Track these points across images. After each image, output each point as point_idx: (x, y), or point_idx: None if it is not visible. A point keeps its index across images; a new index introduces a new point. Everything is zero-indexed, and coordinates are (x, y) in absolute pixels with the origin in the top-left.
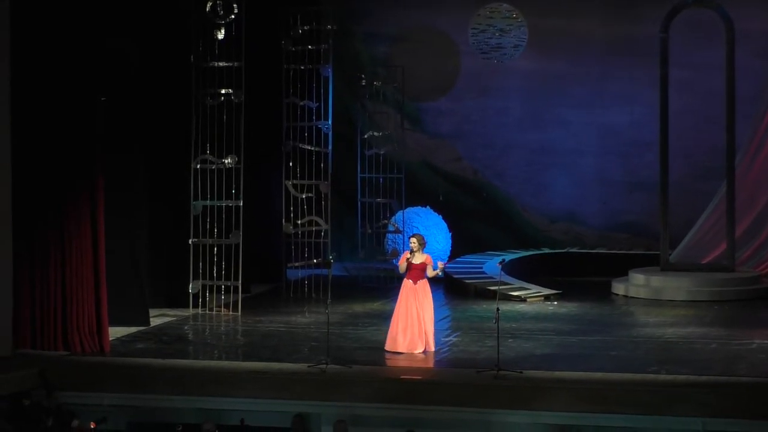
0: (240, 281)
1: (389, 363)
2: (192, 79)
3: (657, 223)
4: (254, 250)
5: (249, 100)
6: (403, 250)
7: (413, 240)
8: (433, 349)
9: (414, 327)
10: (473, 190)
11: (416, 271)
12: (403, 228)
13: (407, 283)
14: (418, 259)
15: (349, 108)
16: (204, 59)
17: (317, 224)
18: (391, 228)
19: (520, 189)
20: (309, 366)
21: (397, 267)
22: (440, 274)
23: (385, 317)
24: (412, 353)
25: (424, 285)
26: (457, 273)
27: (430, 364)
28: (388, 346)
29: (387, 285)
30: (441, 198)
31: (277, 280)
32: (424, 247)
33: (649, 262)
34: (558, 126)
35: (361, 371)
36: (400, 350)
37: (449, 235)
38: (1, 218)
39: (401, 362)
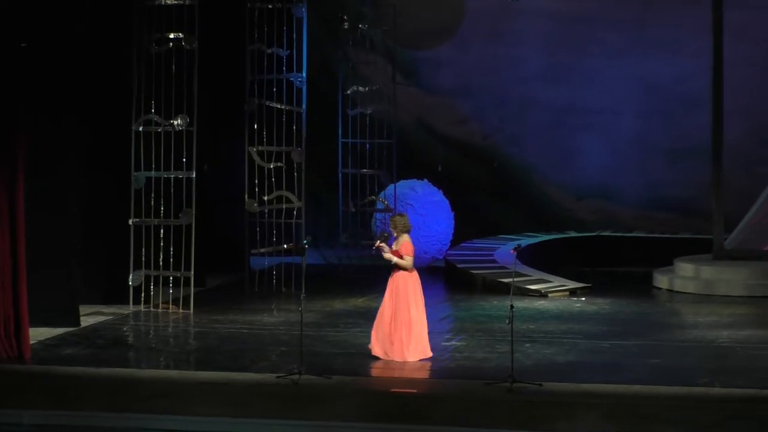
0: (192, 271)
1: (376, 373)
2: (133, 20)
3: (709, 199)
4: (210, 233)
5: (204, 47)
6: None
7: (393, 222)
8: (411, 358)
9: (382, 329)
10: (482, 159)
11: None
12: (395, 206)
13: (392, 274)
14: (399, 244)
15: (329, 57)
16: None
17: (288, 201)
18: (380, 206)
19: (541, 158)
20: (278, 377)
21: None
22: (401, 262)
23: (372, 316)
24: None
25: (405, 277)
26: (462, 262)
27: (427, 374)
28: (374, 350)
29: (374, 276)
30: (441, 169)
31: (239, 270)
32: (408, 231)
33: (699, 248)
34: (588, 80)
35: (342, 383)
36: (375, 354)
37: (452, 215)
38: None
39: (392, 372)
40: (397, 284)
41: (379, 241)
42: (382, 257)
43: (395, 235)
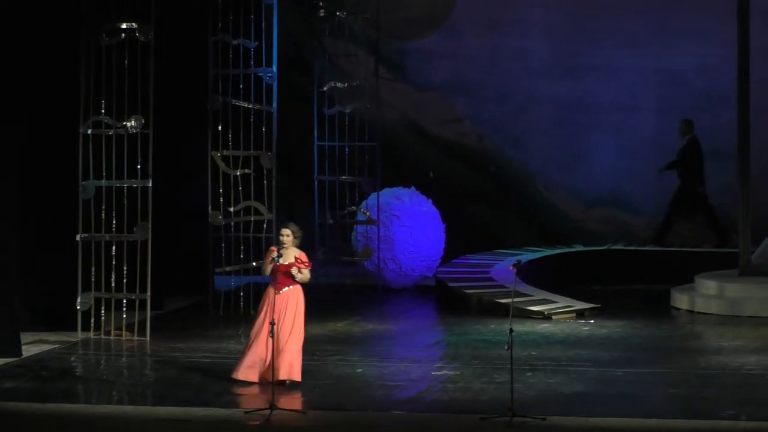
0: (149, 293)
1: (358, 407)
2: (80, 8)
3: (735, 208)
4: (169, 250)
5: (161, 39)
6: (376, 248)
7: (285, 232)
8: (298, 378)
9: (260, 349)
10: (478, 163)
11: (282, 275)
12: (378, 217)
13: (269, 290)
14: (290, 257)
15: (303, 49)
16: None
17: (257, 213)
18: (361, 217)
19: (545, 161)
20: (247, 412)
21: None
22: (298, 276)
23: (354, 342)
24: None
25: (292, 294)
26: (454, 280)
27: (417, 408)
28: (239, 373)
29: (356, 297)
30: (432, 175)
31: (202, 292)
32: (299, 241)
33: (723, 263)
34: (599, 73)
35: (321, 418)
36: (247, 380)
37: (443, 227)
38: None
39: (376, 405)
40: (289, 299)
41: (280, 261)
42: (361, 275)
43: (287, 245)
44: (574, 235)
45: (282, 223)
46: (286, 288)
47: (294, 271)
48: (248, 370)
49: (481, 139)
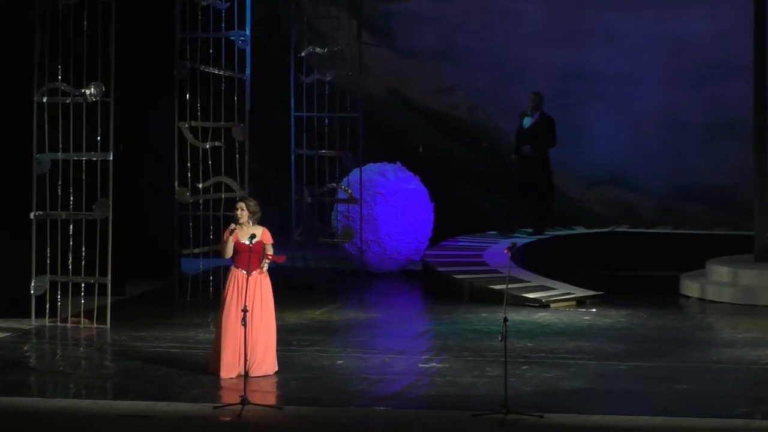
0: (109, 277)
1: (337, 402)
2: None
3: (749, 188)
4: (132, 229)
5: None
6: (359, 229)
7: (240, 205)
8: (273, 371)
9: (236, 340)
10: (469, 137)
11: (246, 255)
12: (360, 195)
13: (236, 273)
14: (249, 235)
15: (278, 10)
16: None
17: (228, 189)
18: (342, 195)
19: None
20: (216, 407)
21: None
22: (265, 267)
23: (331, 331)
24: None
25: (264, 278)
26: (444, 264)
27: (402, 404)
28: (222, 372)
29: (336, 282)
30: (421, 150)
31: (167, 275)
32: (258, 217)
33: (737, 247)
34: (603, 40)
35: (296, 414)
36: (225, 376)
37: (431, 206)
38: None
39: (356, 400)
40: (262, 282)
41: (253, 241)
42: (344, 258)
43: (242, 222)
44: (574, 217)
45: (243, 198)
46: (258, 270)
47: (266, 264)
48: (230, 368)
49: (472, 111)
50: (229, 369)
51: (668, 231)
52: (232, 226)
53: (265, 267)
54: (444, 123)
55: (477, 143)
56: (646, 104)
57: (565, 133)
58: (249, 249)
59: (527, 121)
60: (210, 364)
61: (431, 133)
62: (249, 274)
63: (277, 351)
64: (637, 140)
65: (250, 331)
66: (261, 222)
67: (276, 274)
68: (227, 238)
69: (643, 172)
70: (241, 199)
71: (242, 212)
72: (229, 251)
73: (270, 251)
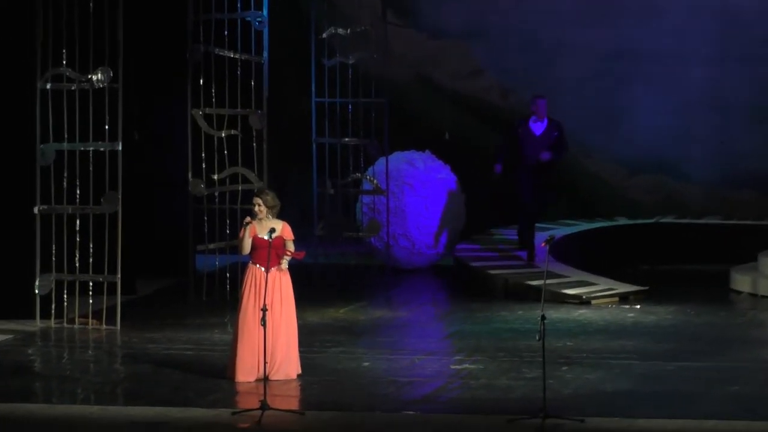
0: (119, 275)
1: (363, 406)
2: None
3: None
4: (143, 224)
5: None
6: (385, 222)
7: (256, 200)
8: (295, 375)
9: (256, 342)
10: (502, 122)
11: (264, 252)
12: (387, 186)
13: (254, 270)
14: (268, 230)
15: None
16: None
17: (246, 181)
18: (367, 186)
19: (580, 120)
20: (234, 413)
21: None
22: (284, 264)
23: (357, 331)
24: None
25: (283, 274)
26: (477, 259)
27: (433, 408)
28: (238, 376)
29: (361, 279)
30: (447, 136)
31: (181, 273)
32: (277, 210)
33: None
34: (644, 15)
35: (320, 420)
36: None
37: (462, 198)
38: None
39: (384, 403)
40: (281, 280)
41: (273, 236)
42: (367, 254)
43: (261, 218)
44: (615, 207)
45: (260, 191)
46: (276, 267)
47: (285, 261)
48: (248, 371)
49: (505, 95)
50: (248, 372)
51: (717, 221)
52: (248, 219)
53: (284, 264)
54: (475, 107)
55: (512, 130)
56: (692, 84)
57: (605, 117)
58: (269, 244)
59: (537, 128)
60: (227, 368)
61: (462, 119)
62: (267, 270)
63: (299, 353)
64: (682, 123)
65: (270, 331)
66: (280, 216)
67: (297, 271)
68: (243, 234)
69: (689, 157)
70: (258, 194)
71: (260, 208)
72: (247, 247)
73: (291, 248)
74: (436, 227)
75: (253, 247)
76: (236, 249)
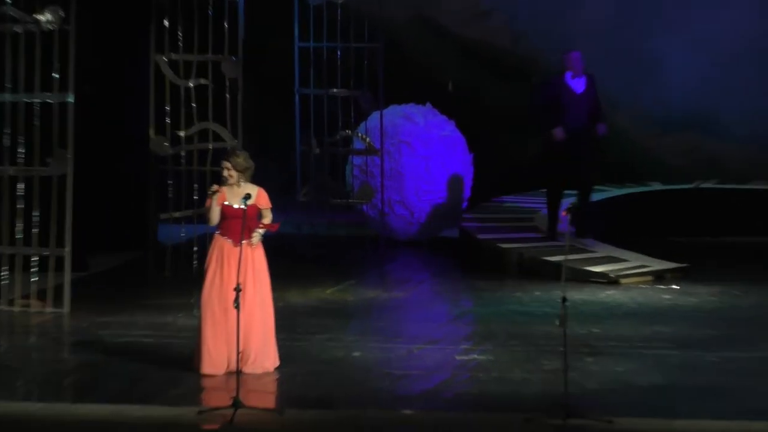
0: (68, 249)
1: (353, 402)
2: None
3: None
4: (96, 189)
5: None
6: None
7: (225, 165)
8: (273, 367)
9: (228, 328)
10: (513, 72)
11: (237, 222)
12: (381, 144)
13: (222, 243)
14: (238, 197)
15: None
16: None
17: (217, 138)
18: (359, 144)
19: (603, 70)
20: (201, 411)
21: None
22: (255, 239)
23: (348, 315)
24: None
25: (257, 248)
26: (486, 230)
27: (435, 404)
28: (204, 368)
29: (351, 253)
30: (450, 87)
31: (140, 246)
32: (251, 173)
33: None
34: None
35: (301, 419)
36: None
37: (469, 158)
38: None
39: (378, 399)
40: (253, 258)
41: (247, 203)
42: (358, 224)
43: (231, 183)
44: (647, 171)
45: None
46: (249, 239)
47: (257, 236)
48: (218, 362)
49: (516, 40)
50: (216, 364)
51: (764, 187)
52: (214, 187)
53: (256, 239)
54: (482, 55)
55: (524, 80)
56: (733, 32)
57: (634, 68)
58: (243, 213)
59: (577, 85)
60: (193, 359)
61: (467, 68)
62: (239, 245)
63: (278, 340)
64: (722, 75)
65: (243, 316)
66: (257, 180)
67: (275, 243)
68: (210, 203)
69: (730, 114)
70: (227, 157)
71: (229, 172)
72: (215, 218)
73: (268, 218)
74: (437, 193)
75: (223, 217)
76: (205, 218)
